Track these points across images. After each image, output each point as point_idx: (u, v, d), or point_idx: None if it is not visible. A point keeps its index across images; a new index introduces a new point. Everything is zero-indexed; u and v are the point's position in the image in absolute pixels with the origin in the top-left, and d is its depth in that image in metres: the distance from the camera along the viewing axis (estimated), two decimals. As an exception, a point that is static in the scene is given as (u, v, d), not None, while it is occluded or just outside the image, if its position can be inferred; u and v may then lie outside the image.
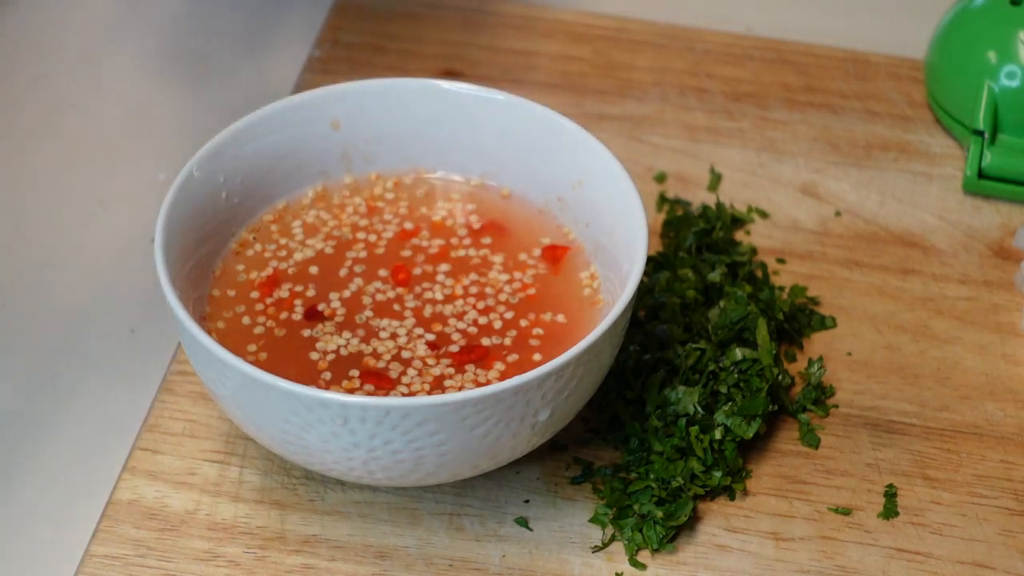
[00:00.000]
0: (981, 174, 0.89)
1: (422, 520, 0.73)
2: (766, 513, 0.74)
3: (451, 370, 0.71)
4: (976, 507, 0.74)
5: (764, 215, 0.88)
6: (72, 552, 0.72)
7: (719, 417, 0.74)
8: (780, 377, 0.77)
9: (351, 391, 0.70)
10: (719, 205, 0.87)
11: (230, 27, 1.03)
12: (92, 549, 0.71)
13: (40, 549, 0.73)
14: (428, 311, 0.74)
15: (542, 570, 0.71)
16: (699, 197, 0.88)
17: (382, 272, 0.76)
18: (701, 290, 0.80)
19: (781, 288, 0.83)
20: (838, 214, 0.88)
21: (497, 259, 0.77)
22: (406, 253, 0.77)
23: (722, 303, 0.78)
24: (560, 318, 0.74)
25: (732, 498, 0.74)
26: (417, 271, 0.76)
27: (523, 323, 0.74)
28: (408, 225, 0.78)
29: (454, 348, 0.72)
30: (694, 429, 0.74)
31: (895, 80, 0.97)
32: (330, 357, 0.72)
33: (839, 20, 1.03)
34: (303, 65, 0.96)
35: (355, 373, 0.71)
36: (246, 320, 0.73)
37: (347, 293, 0.75)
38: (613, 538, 0.72)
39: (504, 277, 0.76)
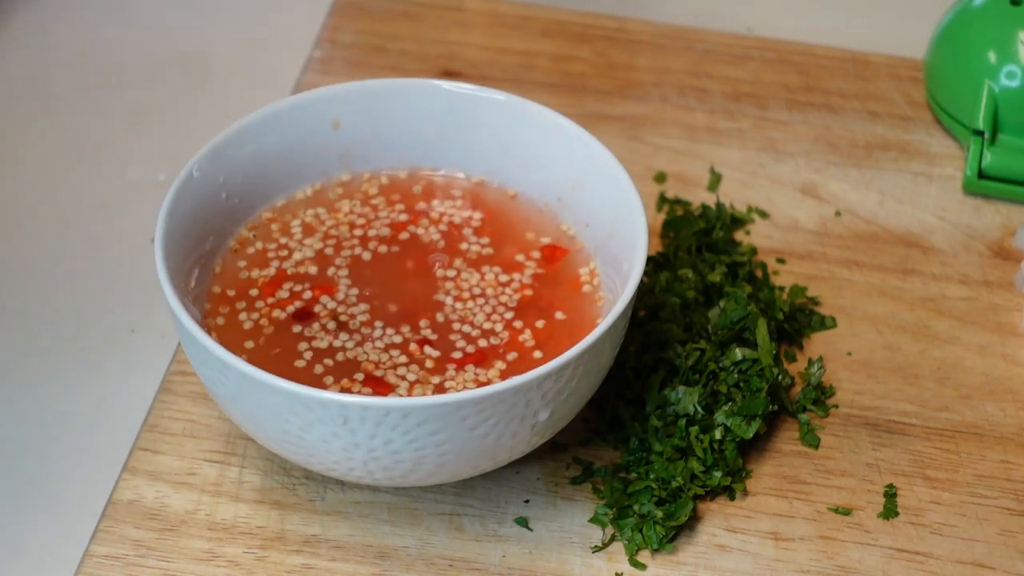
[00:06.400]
0: (981, 174, 0.89)
1: (422, 520, 0.73)
2: (766, 513, 0.74)
3: (451, 370, 0.71)
4: (976, 507, 0.74)
5: (764, 215, 0.88)
6: (72, 552, 0.72)
7: (719, 417, 0.74)
8: (780, 377, 0.77)
9: (351, 391, 0.70)
10: (719, 205, 0.87)
11: (230, 27, 1.03)
12: (92, 549, 0.71)
13: (40, 549, 0.73)
14: (428, 311, 0.74)
15: (542, 570, 0.71)
16: (699, 197, 0.88)
17: (381, 272, 0.76)
18: (701, 290, 0.80)
19: (781, 288, 0.83)
20: (838, 214, 0.88)
21: (497, 259, 0.77)
22: (405, 253, 0.77)
23: (722, 303, 0.78)
24: (560, 317, 0.74)
25: (732, 498, 0.74)
26: (416, 271, 0.76)
27: (523, 322, 0.74)
28: (407, 225, 0.78)
29: (454, 348, 0.72)
30: (694, 429, 0.74)
31: (895, 80, 0.97)
32: (329, 357, 0.72)
33: (839, 20, 1.03)
34: (303, 65, 0.96)
35: (355, 373, 0.71)
36: (245, 319, 0.73)
37: (347, 293, 0.75)
38: (613, 538, 0.72)
39: (504, 277, 0.76)
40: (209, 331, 0.72)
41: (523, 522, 0.73)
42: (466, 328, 0.73)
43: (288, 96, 0.79)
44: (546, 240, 0.78)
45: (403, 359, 0.72)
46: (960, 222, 0.88)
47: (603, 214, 0.75)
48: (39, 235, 0.88)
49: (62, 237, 0.88)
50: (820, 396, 0.78)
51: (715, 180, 0.90)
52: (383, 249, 0.77)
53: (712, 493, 0.74)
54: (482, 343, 0.73)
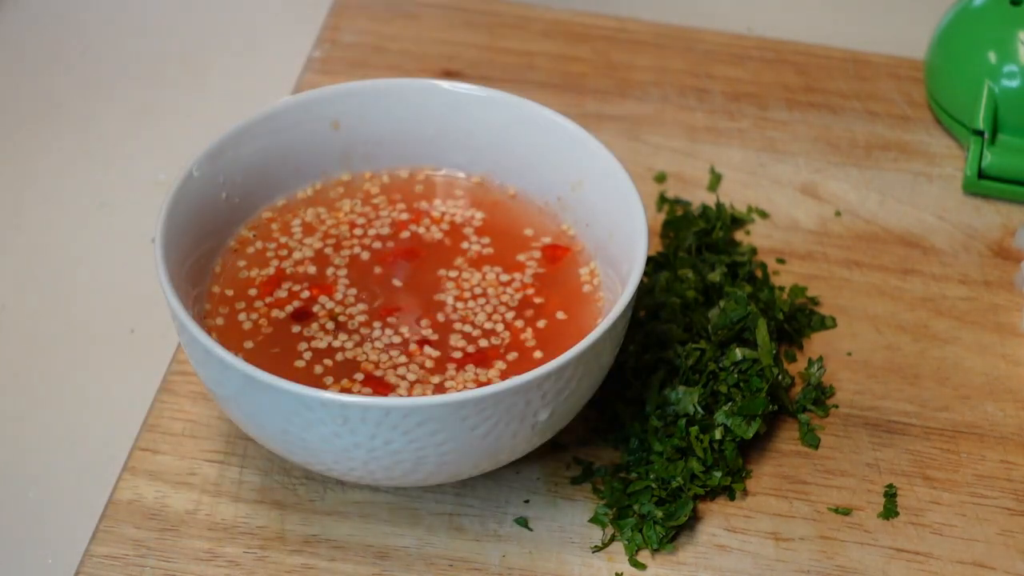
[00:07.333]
0: (981, 174, 0.89)
1: (422, 520, 0.73)
2: (766, 513, 0.74)
3: (451, 370, 0.71)
4: (976, 507, 0.74)
5: (764, 215, 0.88)
6: (72, 552, 0.71)
7: (719, 417, 0.74)
8: (780, 377, 0.77)
9: (351, 391, 0.70)
10: (719, 205, 0.87)
11: (230, 27, 1.03)
12: (92, 549, 0.71)
13: (40, 549, 0.73)
14: (428, 310, 0.74)
15: (542, 570, 0.71)
16: (699, 197, 0.88)
17: (381, 271, 0.76)
18: (701, 290, 0.80)
19: (781, 288, 0.83)
20: (838, 214, 0.88)
21: (497, 259, 0.77)
22: (405, 252, 0.77)
23: (722, 303, 0.78)
24: (560, 317, 0.74)
25: (732, 498, 0.74)
26: (417, 271, 0.76)
27: (523, 322, 0.74)
28: (408, 224, 0.78)
29: (454, 348, 0.72)
30: (694, 429, 0.74)
31: (895, 80, 0.97)
32: (329, 357, 0.72)
33: (839, 20, 1.03)
34: (303, 65, 0.96)
35: (354, 373, 0.71)
36: (244, 319, 0.73)
37: (346, 292, 0.75)
38: (613, 538, 0.72)
39: (504, 277, 0.76)
40: (209, 331, 0.72)
41: (523, 522, 0.73)
42: (467, 328, 0.73)
43: (288, 96, 0.79)
44: (547, 240, 0.78)
45: (403, 359, 0.72)
46: (960, 222, 0.88)
47: (603, 214, 0.75)
48: (39, 235, 0.88)
49: (62, 237, 0.88)
50: (820, 396, 0.78)
51: (715, 180, 0.90)
52: (383, 248, 0.77)
53: (712, 493, 0.74)
54: (482, 343, 0.73)
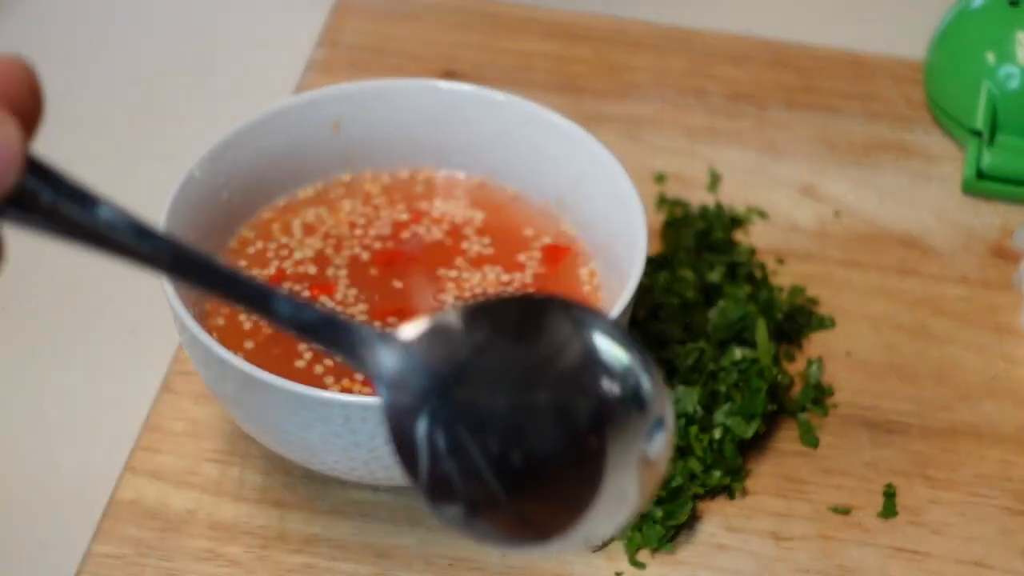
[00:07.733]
0: (980, 174, 0.89)
1: (422, 520, 0.73)
2: (766, 513, 0.74)
3: (451, 370, 0.71)
4: (975, 507, 0.74)
5: (763, 215, 0.88)
6: (73, 551, 0.72)
7: (718, 417, 0.74)
8: (779, 377, 0.77)
9: (351, 391, 0.70)
10: (718, 205, 0.87)
11: (232, 28, 1.03)
12: (93, 548, 0.71)
13: (41, 549, 0.73)
14: (428, 311, 0.74)
15: (542, 570, 0.71)
16: (699, 197, 0.89)
17: (381, 272, 0.76)
18: (700, 290, 0.80)
19: (780, 288, 0.83)
20: (837, 214, 0.88)
21: (497, 259, 0.77)
22: (405, 253, 0.77)
23: (721, 303, 0.78)
24: (560, 318, 0.74)
25: (732, 498, 0.74)
26: (417, 271, 0.76)
27: (523, 323, 0.74)
28: (408, 225, 0.78)
29: (454, 348, 0.72)
30: (693, 429, 0.74)
31: (895, 80, 0.97)
32: (329, 357, 0.72)
33: (839, 20, 1.03)
34: (303, 65, 0.96)
35: (355, 373, 0.71)
36: (244, 319, 0.73)
37: (346, 293, 0.75)
38: (613, 538, 0.72)
39: (504, 277, 0.76)
40: (209, 331, 0.72)
41: (523, 522, 0.73)
42: (466, 328, 0.73)
43: (289, 96, 0.79)
44: (547, 240, 0.78)
45: (403, 359, 0.72)
46: (959, 222, 0.88)
47: (603, 214, 0.75)
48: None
49: (63, 237, 0.88)
50: (819, 396, 0.78)
51: (714, 180, 0.90)
52: (384, 249, 0.77)
53: (712, 492, 0.74)
54: (482, 343, 0.73)
